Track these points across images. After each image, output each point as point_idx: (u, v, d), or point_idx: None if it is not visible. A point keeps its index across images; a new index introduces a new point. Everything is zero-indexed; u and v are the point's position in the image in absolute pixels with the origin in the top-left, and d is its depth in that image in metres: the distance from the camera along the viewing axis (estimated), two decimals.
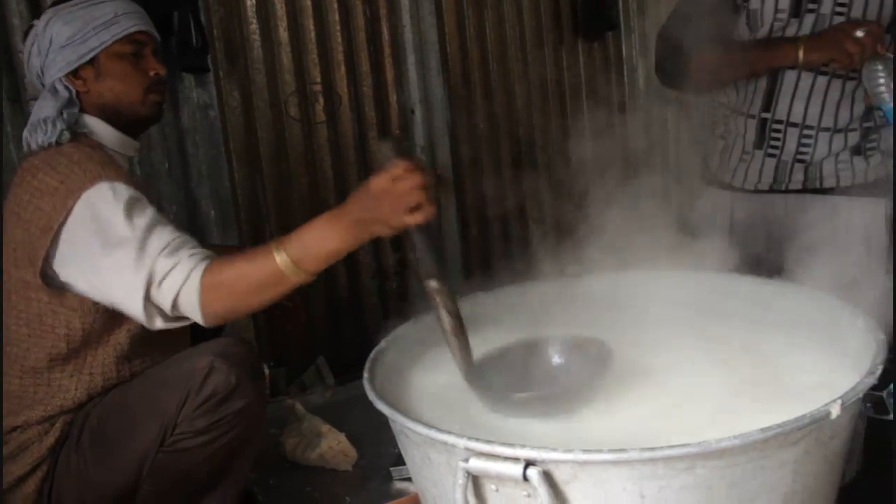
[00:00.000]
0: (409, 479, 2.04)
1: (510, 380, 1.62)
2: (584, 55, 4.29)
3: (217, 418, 1.76)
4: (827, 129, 2.24)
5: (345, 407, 2.55)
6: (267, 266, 1.66)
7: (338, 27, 3.42)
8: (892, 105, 2.10)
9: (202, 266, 1.69)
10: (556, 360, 1.71)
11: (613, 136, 4.05)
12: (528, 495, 1.26)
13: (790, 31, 2.22)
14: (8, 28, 2.65)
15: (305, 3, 3.34)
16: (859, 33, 2.06)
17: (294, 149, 3.36)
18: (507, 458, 1.25)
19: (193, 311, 1.70)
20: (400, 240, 3.62)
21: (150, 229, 1.74)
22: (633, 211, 1.91)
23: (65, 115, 1.86)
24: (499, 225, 3.99)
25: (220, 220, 3.13)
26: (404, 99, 3.64)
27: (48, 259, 1.78)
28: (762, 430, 1.21)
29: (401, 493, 2.11)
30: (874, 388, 1.35)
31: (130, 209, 1.75)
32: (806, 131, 2.25)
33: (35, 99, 1.96)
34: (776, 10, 2.21)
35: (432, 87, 3.70)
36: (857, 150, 2.26)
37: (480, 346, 1.66)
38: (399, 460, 2.03)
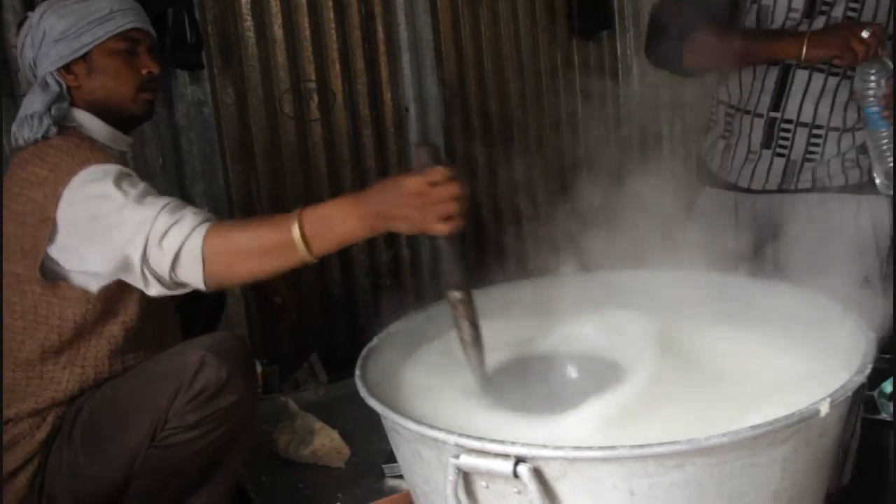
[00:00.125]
0: (401, 477, 2.04)
1: (524, 394, 1.62)
2: (578, 54, 4.29)
3: (208, 413, 1.76)
4: (836, 129, 2.24)
5: (338, 404, 2.55)
6: (280, 233, 1.62)
7: (332, 24, 3.42)
8: (876, 110, 2.12)
9: (206, 224, 1.67)
10: (570, 375, 1.72)
11: (608, 135, 4.07)
12: (519, 492, 1.27)
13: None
14: (3, 24, 2.64)
15: (300, 1, 3.34)
16: (865, 34, 2.07)
17: (288, 146, 3.36)
18: (497, 455, 1.25)
19: (195, 268, 1.65)
20: (394, 238, 3.63)
21: (144, 194, 1.73)
22: (629, 210, 1.91)
23: (53, 111, 1.86)
24: (493, 223, 3.99)
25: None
26: (399, 97, 3.64)
27: (48, 249, 1.78)
28: (751, 427, 1.22)
29: (393, 491, 2.11)
30: (867, 388, 1.36)
31: (121, 181, 1.74)
32: (815, 131, 2.24)
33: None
34: (789, 10, 2.20)
35: (427, 85, 3.70)
36: (864, 149, 2.26)
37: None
38: (391, 457, 2.03)
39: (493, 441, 1.26)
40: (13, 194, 1.79)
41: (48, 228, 1.76)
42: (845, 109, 2.22)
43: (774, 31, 2.22)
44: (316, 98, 3.40)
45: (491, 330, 1.67)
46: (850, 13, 2.18)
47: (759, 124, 2.28)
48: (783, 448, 1.28)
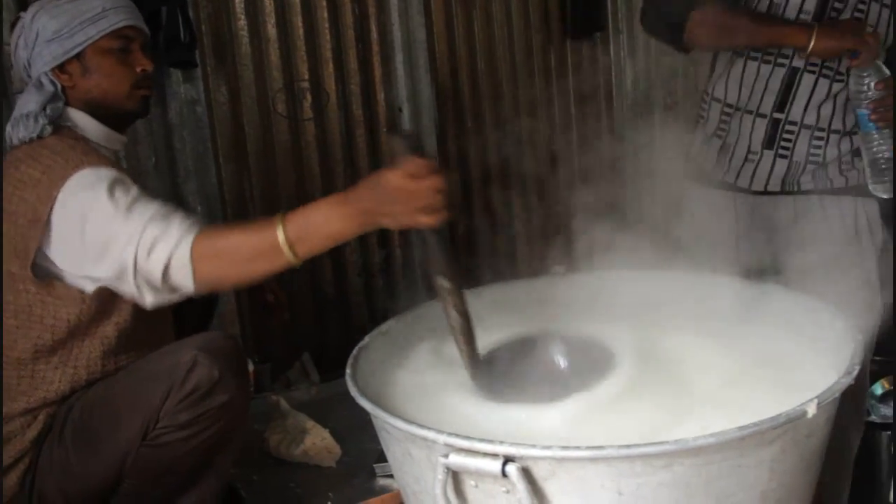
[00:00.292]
0: (391, 476, 2.05)
1: (515, 380, 1.62)
2: (572, 55, 4.29)
3: (199, 412, 1.76)
4: (837, 132, 2.24)
5: (329, 403, 2.55)
6: (266, 237, 1.62)
7: (326, 24, 3.42)
8: (866, 112, 2.13)
9: (194, 230, 1.68)
10: (562, 360, 1.72)
11: (600, 136, 4.08)
12: (507, 491, 1.27)
13: None
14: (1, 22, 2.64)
15: (294, 0, 3.34)
16: (870, 29, 2.08)
17: (281, 145, 3.36)
18: (486, 454, 1.26)
19: (185, 275, 1.67)
20: (386, 237, 3.64)
21: (135, 202, 1.73)
22: (623, 209, 1.92)
23: (47, 111, 1.86)
24: (486, 223, 4.00)
25: (206, 217, 3.12)
26: (392, 97, 3.64)
27: (41, 249, 1.78)
28: (739, 428, 1.22)
29: (384, 490, 2.12)
30: None
31: (114, 188, 1.74)
32: (818, 133, 2.23)
33: (22, 92, 1.95)
34: (800, 11, 2.18)
35: (420, 85, 3.70)
36: (858, 152, 2.26)
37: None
38: (382, 457, 2.03)
39: (481, 440, 1.27)
40: (7, 194, 1.79)
41: (39, 230, 1.76)
42: (845, 113, 2.23)
43: (785, 18, 2.18)
44: (309, 97, 3.40)
45: (481, 329, 1.67)
46: (856, 16, 2.18)
47: (762, 124, 2.25)
48: (771, 449, 1.29)
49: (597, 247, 1.89)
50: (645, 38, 4.58)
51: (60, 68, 1.89)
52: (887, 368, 2.72)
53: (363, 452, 2.24)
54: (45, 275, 1.82)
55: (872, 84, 2.09)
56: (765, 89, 2.25)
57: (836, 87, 2.20)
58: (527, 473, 1.25)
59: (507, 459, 1.24)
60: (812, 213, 2.26)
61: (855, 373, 1.36)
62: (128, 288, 1.72)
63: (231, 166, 3.24)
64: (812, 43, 2.08)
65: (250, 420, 2.08)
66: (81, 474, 1.83)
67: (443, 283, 1.59)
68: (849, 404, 1.61)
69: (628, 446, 1.21)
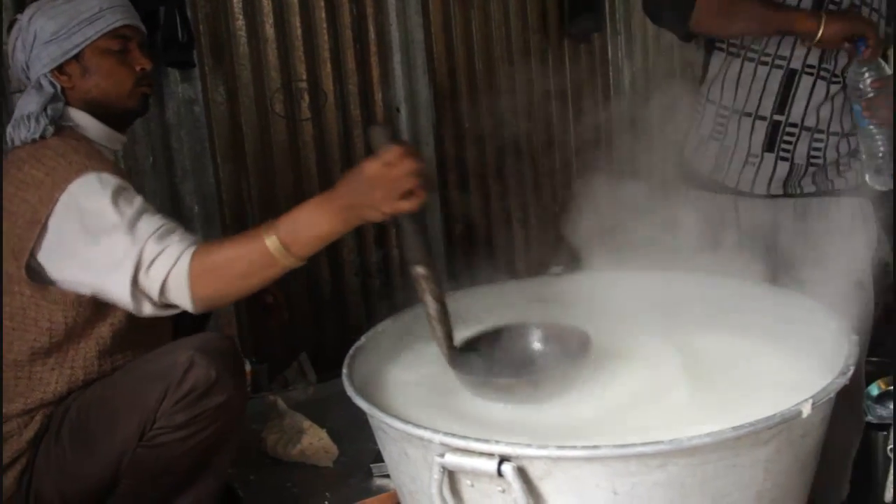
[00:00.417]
0: (388, 476, 2.05)
1: (492, 364, 1.64)
2: (570, 56, 4.30)
3: (196, 413, 1.76)
4: (836, 134, 2.23)
5: (326, 403, 2.55)
6: (257, 249, 1.65)
7: (324, 24, 3.43)
8: (861, 108, 2.13)
9: (191, 250, 1.69)
10: (538, 346, 1.73)
11: (598, 137, 4.08)
12: (503, 490, 1.27)
13: None
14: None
15: (292, 0, 3.34)
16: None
17: (279, 145, 3.37)
18: (481, 454, 1.26)
19: (182, 295, 1.70)
20: (384, 237, 3.64)
21: (138, 216, 1.74)
22: (622, 211, 1.92)
23: (48, 111, 1.86)
24: (483, 223, 4.00)
25: (203, 217, 3.13)
26: (390, 97, 3.64)
27: (34, 252, 1.78)
28: (734, 428, 1.23)
29: (381, 490, 2.12)
30: None
31: (117, 197, 1.75)
32: (817, 135, 2.22)
33: (19, 92, 1.95)
34: (799, 2, 2.18)
35: (418, 85, 3.71)
36: (855, 153, 2.27)
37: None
38: (379, 457, 2.04)
39: (477, 440, 1.27)
40: (8, 194, 1.79)
41: (36, 231, 1.76)
42: (842, 115, 2.23)
43: (791, 6, 2.15)
44: (307, 97, 3.41)
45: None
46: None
47: (762, 127, 2.23)
48: (766, 449, 1.29)
49: (595, 248, 1.89)
50: (643, 39, 4.59)
51: (59, 69, 1.89)
52: (884, 369, 2.73)
53: (360, 452, 2.24)
54: (38, 278, 1.82)
55: (869, 81, 2.09)
56: (763, 91, 2.23)
57: (834, 88, 2.20)
58: (522, 473, 1.25)
59: (503, 459, 1.25)
60: (813, 216, 2.25)
61: (850, 373, 1.36)
62: (124, 300, 1.73)
63: (229, 166, 3.24)
64: (822, 28, 2.05)
65: (248, 420, 2.08)
66: (78, 475, 1.83)
67: (419, 270, 1.60)
68: (845, 405, 1.60)
69: (623, 446, 1.22)
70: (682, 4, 2.19)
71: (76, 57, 1.89)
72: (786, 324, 1.70)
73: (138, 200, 1.78)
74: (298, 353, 3.18)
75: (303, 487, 2.19)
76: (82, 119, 1.92)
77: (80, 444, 1.83)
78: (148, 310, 1.74)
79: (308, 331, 3.44)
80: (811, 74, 2.19)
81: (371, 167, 1.55)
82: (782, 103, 2.21)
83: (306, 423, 2.32)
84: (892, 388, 2.70)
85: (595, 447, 1.22)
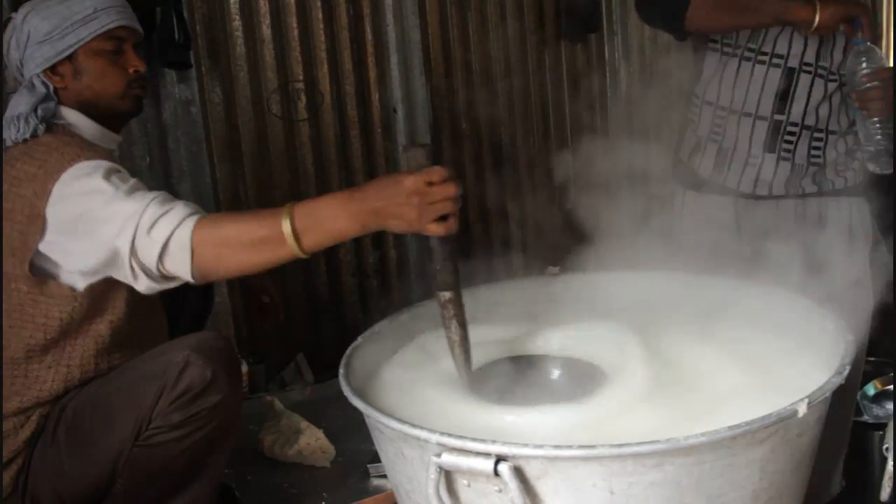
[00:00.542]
0: (385, 476, 2.05)
1: (506, 392, 1.63)
2: (566, 57, 4.30)
3: (192, 413, 1.76)
4: (834, 133, 2.23)
5: (323, 404, 2.56)
6: (268, 225, 1.60)
7: (321, 25, 3.43)
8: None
9: (196, 216, 1.66)
10: (556, 373, 1.73)
11: (595, 136, 4.08)
12: (500, 490, 1.27)
13: None
14: None
15: (289, 1, 3.34)
16: None
17: (276, 146, 3.37)
18: (478, 454, 1.26)
19: (183, 260, 1.64)
20: (380, 239, 3.64)
21: (134, 188, 1.73)
22: (619, 212, 1.92)
23: (39, 111, 1.85)
24: (480, 224, 4.00)
25: None
26: (387, 98, 3.65)
27: (38, 245, 1.77)
28: (730, 427, 1.23)
29: (378, 490, 2.12)
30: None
31: (111, 175, 1.74)
32: (817, 134, 2.22)
33: (15, 92, 1.95)
34: None
35: (415, 86, 3.71)
36: (851, 152, 2.27)
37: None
38: (376, 457, 2.04)
39: (474, 440, 1.27)
40: (3, 192, 1.79)
41: (38, 225, 1.75)
42: (839, 114, 2.23)
43: None
44: (304, 98, 3.41)
45: (477, 330, 1.68)
46: None
47: (762, 127, 2.22)
48: (762, 448, 1.29)
49: (593, 248, 1.89)
50: (639, 40, 4.59)
51: (52, 70, 1.89)
52: (880, 369, 2.73)
53: (357, 453, 2.25)
54: (41, 273, 1.81)
55: (863, 73, 2.09)
56: (762, 91, 2.22)
57: (831, 87, 2.21)
58: (519, 473, 1.25)
59: (500, 459, 1.24)
60: (813, 216, 2.25)
61: (846, 372, 1.36)
62: (121, 271, 1.70)
63: (225, 167, 3.24)
64: (818, 15, 2.06)
65: (245, 420, 2.08)
66: (74, 474, 1.83)
67: (447, 295, 1.60)
68: (838, 402, 1.61)
69: (619, 445, 1.22)
70: (676, 2, 2.19)
71: (69, 57, 1.89)
72: (784, 324, 1.70)
73: (132, 179, 1.77)
74: (295, 354, 3.19)
75: (300, 488, 2.19)
76: (76, 118, 1.92)
77: (76, 443, 1.83)
78: (144, 282, 1.70)
79: (305, 331, 3.44)
80: (809, 73, 2.19)
81: (412, 181, 1.51)
82: (782, 103, 2.21)
83: (303, 424, 2.32)
84: (888, 387, 2.71)
85: (591, 447, 1.22)
